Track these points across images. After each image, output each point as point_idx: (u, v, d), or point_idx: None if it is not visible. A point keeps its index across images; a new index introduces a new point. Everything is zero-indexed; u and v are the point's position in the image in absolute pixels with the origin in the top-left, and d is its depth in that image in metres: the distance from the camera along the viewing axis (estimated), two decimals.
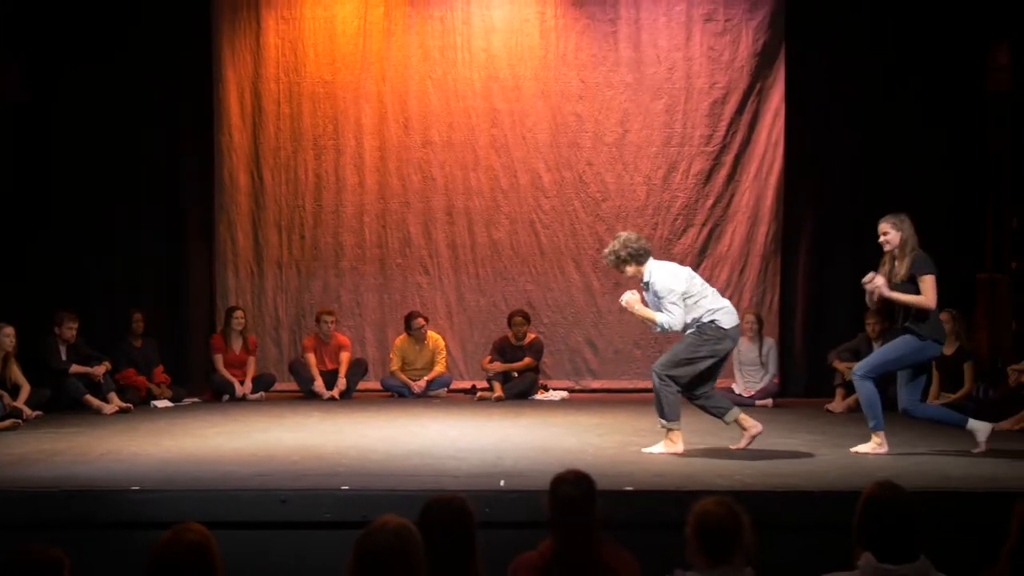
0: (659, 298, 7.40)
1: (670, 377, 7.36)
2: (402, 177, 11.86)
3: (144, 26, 11.33)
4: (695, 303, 7.39)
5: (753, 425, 7.47)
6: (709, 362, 7.41)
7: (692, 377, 7.41)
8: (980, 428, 7.33)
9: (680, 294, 7.36)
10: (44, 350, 10.01)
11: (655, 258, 7.59)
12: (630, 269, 7.51)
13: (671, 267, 7.58)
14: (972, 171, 11.18)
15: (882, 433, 7.38)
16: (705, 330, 7.38)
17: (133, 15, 11.32)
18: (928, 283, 7.22)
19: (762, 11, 11.65)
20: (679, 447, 7.37)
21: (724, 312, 7.41)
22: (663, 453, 7.33)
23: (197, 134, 11.73)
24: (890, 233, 7.37)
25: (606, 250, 7.64)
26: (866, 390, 7.40)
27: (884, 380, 7.56)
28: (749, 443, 7.47)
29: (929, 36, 11.16)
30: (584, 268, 11.87)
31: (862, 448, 7.41)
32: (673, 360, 7.42)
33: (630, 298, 7.46)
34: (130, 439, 8.08)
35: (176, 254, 11.67)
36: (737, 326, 7.51)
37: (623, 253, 7.48)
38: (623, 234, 7.61)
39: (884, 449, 7.35)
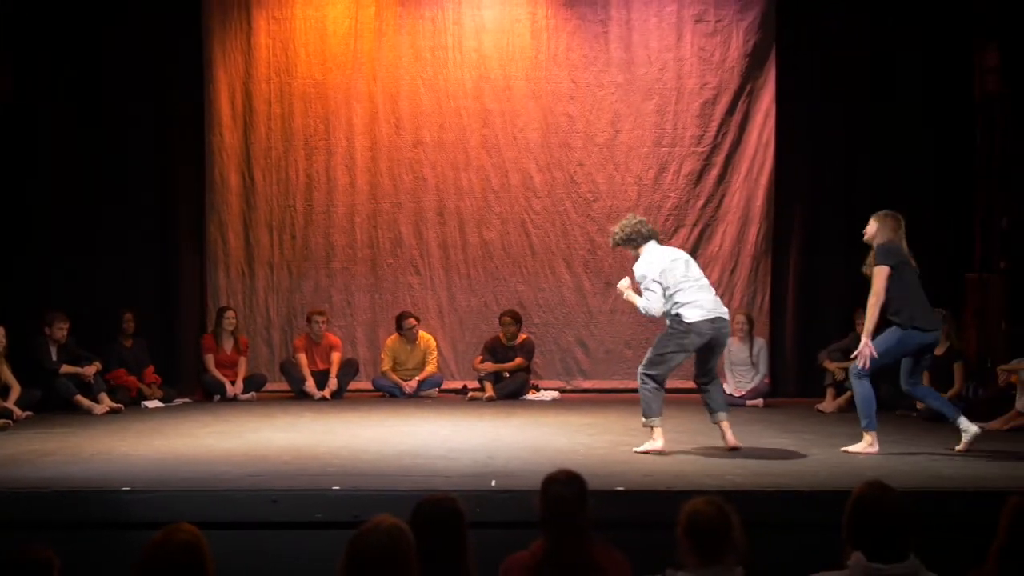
0: (640, 282, 7.51)
1: (648, 376, 7.43)
2: (393, 177, 11.86)
3: (135, 26, 11.31)
4: (670, 295, 7.42)
5: (730, 440, 7.45)
6: (680, 357, 7.45)
7: (669, 371, 7.46)
8: (968, 428, 7.34)
9: (652, 279, 7.42)
10: (34, 350, 9.99)
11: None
12: (631, 251, 7.63)
13: (657, 252, 7.57)
14: (961, 172, 11.20)
15: (874, 433, 7.40)
16: (672, 323, 7.45)
17: (123, 16, 11.29)
18: (877, 274, 7.34)
19: (753, 12, 11.67)
20: (659, 443, 7.36)
21: (692, 306, 7.38)
22: (647, 451, 7.35)
23: (188, 134, 11.71)
24: (869, 226, 7.54)
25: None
26: (861, 389, 7.43)
27: (875, 379, 7.59)
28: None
29: (919, 38, 11.20)
30: (575, 268, 11.88)
31: (853, 448, 7.43)
32: (648, 358, 7.51)
33: (621, 284, 7.71)
34: (121, 439, 8.07)
35: (167, 254, 11.65)
36: (707, 320, 7.37)
37: (619, 235, 7.63)
38: (628, 215, 7.82)
39: (875, 449, 7.37)
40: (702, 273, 7.67)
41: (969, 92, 11.07)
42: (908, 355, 7.43)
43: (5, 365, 9.54)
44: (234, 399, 10.94)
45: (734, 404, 9.02)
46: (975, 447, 7.33)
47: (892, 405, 9.02)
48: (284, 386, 11.38)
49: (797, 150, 11.57)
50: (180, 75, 11.61)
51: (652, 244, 7.57)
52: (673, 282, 7.42)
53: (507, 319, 11.27)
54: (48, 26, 11.06)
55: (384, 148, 11.84)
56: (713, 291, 7.62)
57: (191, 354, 11.46)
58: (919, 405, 9.43)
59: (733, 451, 7.41)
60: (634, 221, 7.62)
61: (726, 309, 7.63)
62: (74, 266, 11.16)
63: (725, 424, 7.49)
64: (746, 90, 11.68)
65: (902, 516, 3.80)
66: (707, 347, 7.49)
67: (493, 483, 6.14)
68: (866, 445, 7.39)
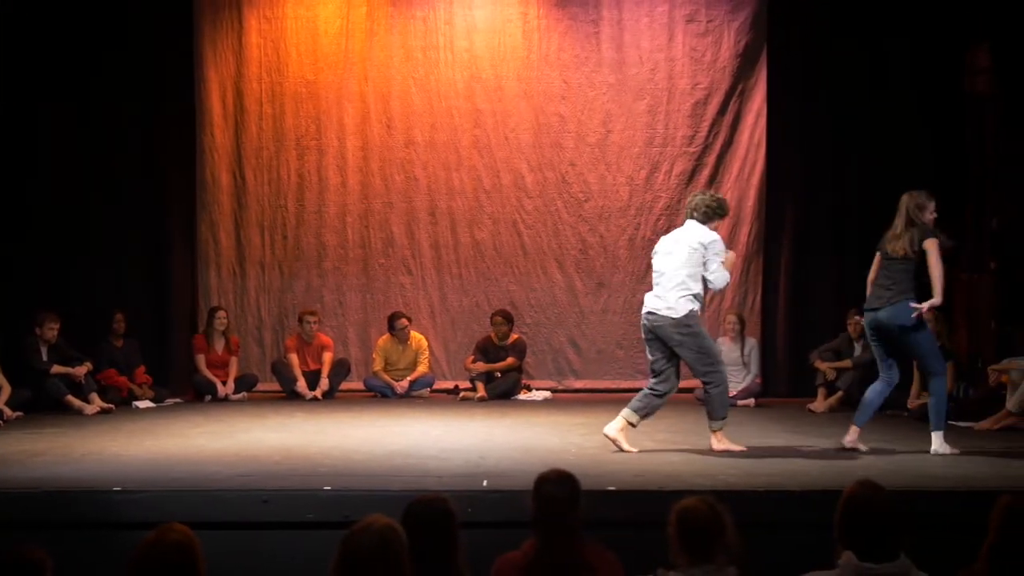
0: None
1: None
2: (385, 177, 11.86)
3: (126, 27, 11.29)
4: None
5: (717, 444, 7.44)
6: (647, 350, 7.53)
7: (654, 367, 7.47)
8: (936, 443, 7.34)
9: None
10: (25, 350, 9.96)
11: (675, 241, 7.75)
12: None
13: (670, 234, 7.81)
14: (952, 172, 11.21)
15: (857, 429, 7.44)
16: None
17: (115, 15, 11.27)
18: None
19: (744, 12, 11.68)
20: (610, 427, 7.40)
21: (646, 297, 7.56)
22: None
23: (179, 134, 11.68)
24: None
25: None
26: (870, 389, 7.55)
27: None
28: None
29: (910, 38, 11.21)
30: (567, 268, 11.88)
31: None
32: None
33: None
34: (112, 440, 8.06)
35: (158, 254, 11.63)
36: (643, 313, 7.48)
37: None
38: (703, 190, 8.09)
39: (849, 440, 7.40)
40: (668, 267, 7.48)
41: (960, 92, 11.09)
42: (880, 340, 7.48)
43: None
44: (225, 399, 10.92)
45: None
46: (964, 448, 7.37)
47: (883, 405, 9.04)
48: (275, 386, 11.37)
49: (788, 150, 11.58)
50: (172, 75, 11.58)
51: (687, 224, 7.70)
52: (655, 270, 7.64)
53: (499, 319, 11.27)
54: (41, 26, 11.02)
55: (375, 148, 11.84)
56: (666, 285, 7.43)
57: (182, 354, 11.44)
58: (910, 405, 9.46)
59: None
60: (695, 198, 7.75)
61: (676, 304, 7.36)
62: (65, 266, 11.14)
63: (719, 435, 7.43)
64: (737, 90, 11.69)
65: (893, 515, 3.80)
66: (657, 341, 7.44)
67: (485, 483, 6.13)
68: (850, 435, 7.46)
